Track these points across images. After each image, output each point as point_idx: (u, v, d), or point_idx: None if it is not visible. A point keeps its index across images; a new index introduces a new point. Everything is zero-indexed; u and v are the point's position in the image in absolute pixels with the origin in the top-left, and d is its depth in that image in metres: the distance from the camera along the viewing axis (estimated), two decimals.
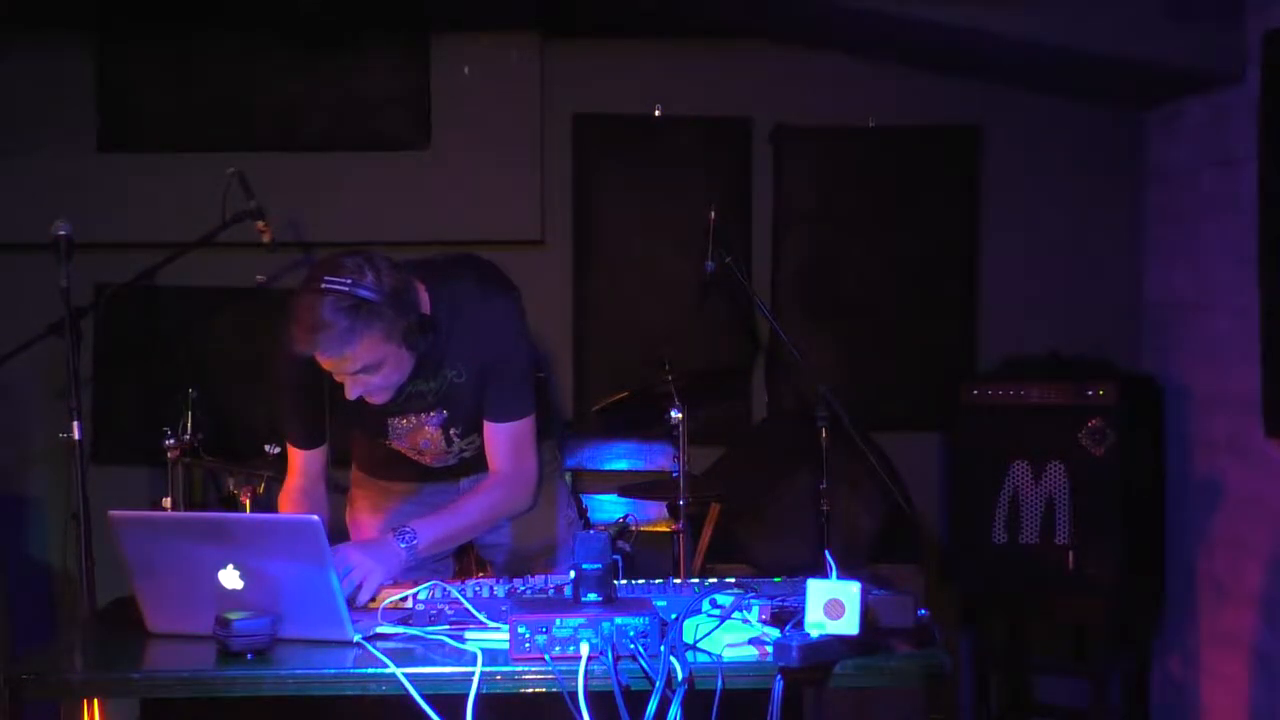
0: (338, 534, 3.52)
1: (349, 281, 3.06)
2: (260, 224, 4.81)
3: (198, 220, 4.81)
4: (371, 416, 3.41)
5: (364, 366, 3.15)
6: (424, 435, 3.47)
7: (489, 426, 3.42)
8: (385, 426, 3.46)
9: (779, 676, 2.62)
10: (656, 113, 5.41)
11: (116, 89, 5.28)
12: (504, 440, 3.42)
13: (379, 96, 5.30)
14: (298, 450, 3.49)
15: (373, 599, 3.12)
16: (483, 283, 3.38)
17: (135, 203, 5.22)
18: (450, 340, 3.29)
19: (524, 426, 3.42)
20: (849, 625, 2.67)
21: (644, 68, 5.43)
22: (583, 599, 2.77)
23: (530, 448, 3.44)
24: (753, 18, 5.18)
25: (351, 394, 3.20)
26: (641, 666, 2.63)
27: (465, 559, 3.87)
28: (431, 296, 3.28)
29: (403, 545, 3.23)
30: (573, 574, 2.80)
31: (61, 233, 4.19)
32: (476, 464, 3.55)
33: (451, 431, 3.47)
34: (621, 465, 5.22)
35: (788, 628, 2.73)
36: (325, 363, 3.14)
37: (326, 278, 3.07)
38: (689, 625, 2.78)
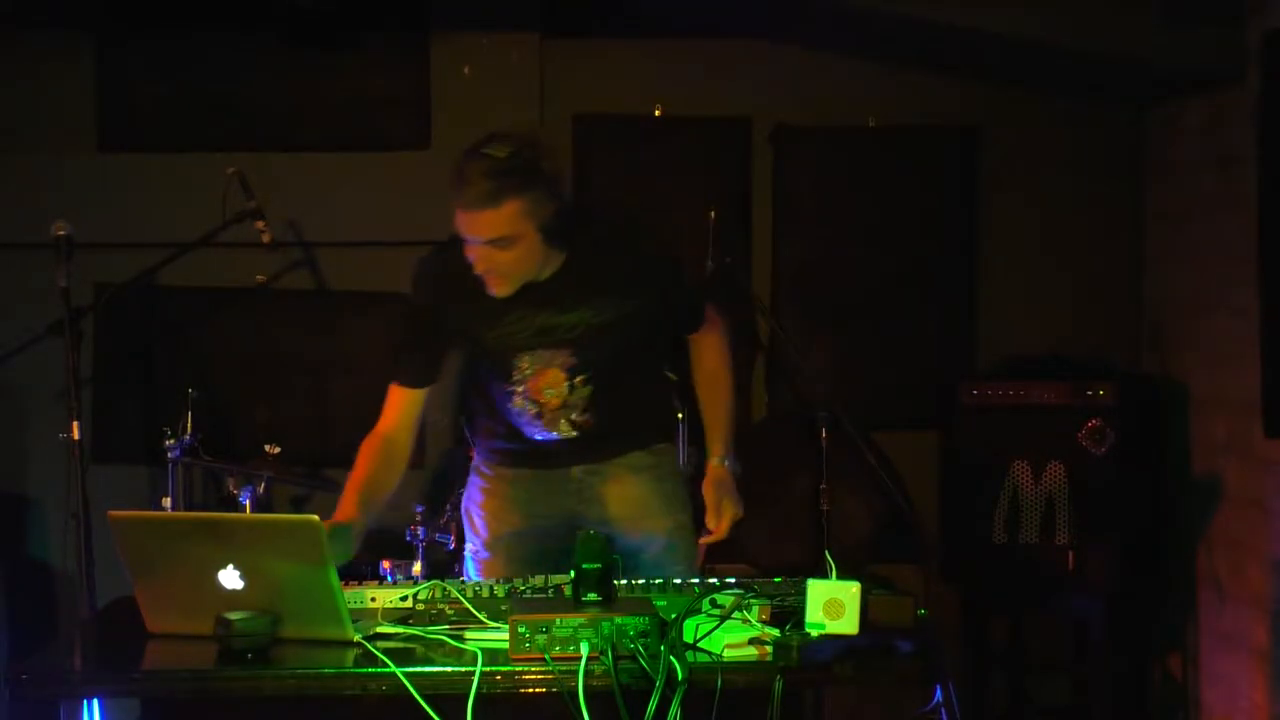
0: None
1: (508, 151, 3.17)
2: (260, 224, 4.80)
3: (198, 220, 4.80)
4: (499, 356, 3.46)
5: (498, 237, 3.20)
6: (548, 379, 3.48)
7: (692, 340, 3.68)
8: (511, 367, 3.47)
9: (779, 676, 2.63)
10: (656, 113, 5.40)
11: (116, 89, 5.28)
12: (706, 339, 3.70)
13: (379, 96, 5.30)
14: (400, 389, 3.51)
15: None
16: (634, 223, 3.48)
17: (135, 203, 5.21)
18: (593, 277, 3.34)
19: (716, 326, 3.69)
20: (849, 625, 2.67)
21: (644, 68, 5.42)
22: (583, 599, 2.77)
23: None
24: (752, 18, 5.18)
25: (479, 267, 3.26)
26: (642, 666, 2.63)
27: None
28: (579, 227, 3.35)
29: (727, 464, 3.54)
30: (573, 574, 2.81)
31: (61, 233, 4.20)
32: (586, 448, 3.58)
33: (576, 379, 3.49)
34: None
35: (788, 628, 2.73)
36: (465, 226, 3.21)
37: (488, 144, 3.19)
38: (689, 625, 2.78)
